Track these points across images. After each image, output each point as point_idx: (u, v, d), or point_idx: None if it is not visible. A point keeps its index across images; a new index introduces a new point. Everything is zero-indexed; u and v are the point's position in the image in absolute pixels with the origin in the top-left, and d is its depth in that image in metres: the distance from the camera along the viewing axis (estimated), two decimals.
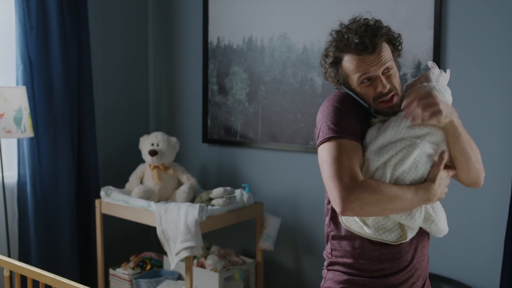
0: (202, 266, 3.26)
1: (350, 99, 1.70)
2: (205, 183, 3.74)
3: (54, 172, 3.29)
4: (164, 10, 3.95)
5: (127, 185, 3.43)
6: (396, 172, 1.60)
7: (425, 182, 1.63)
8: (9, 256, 3.04)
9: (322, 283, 1.82)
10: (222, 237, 3.61)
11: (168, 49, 3.94)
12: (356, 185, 1.55)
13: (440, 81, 1.74)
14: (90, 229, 3.49)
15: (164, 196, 3.36)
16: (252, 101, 3.48)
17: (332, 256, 1.80)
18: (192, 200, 3.31)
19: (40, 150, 3.24)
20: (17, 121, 2.92)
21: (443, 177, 1.66)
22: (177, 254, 2.88)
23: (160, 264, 3.51)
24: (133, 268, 3.38)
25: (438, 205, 1.74)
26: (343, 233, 1.74)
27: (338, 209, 1.57)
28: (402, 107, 1.65)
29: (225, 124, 3.63)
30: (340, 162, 1.58)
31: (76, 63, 3.38)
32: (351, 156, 1.59)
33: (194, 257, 3.30)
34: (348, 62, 1.68)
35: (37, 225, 3.23)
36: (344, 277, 1.74)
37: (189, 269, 2.89)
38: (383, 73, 1.65)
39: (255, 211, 3.29)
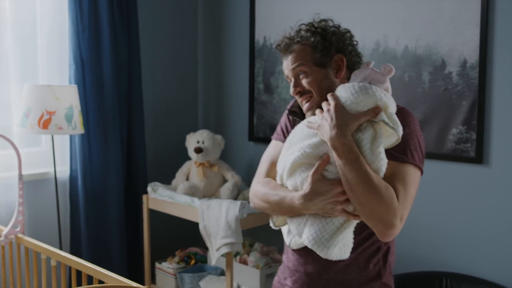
0: (244, 262, 3.30)
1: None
2: (250, 180, 3.76)
3: (104, 167, 3.41)
4: (212, 10, 4.01)
5: (174, 182, 3.52)
6: (283, 177, 1.59)
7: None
8: (60, 248, 3.18)
9: None
10: (266, 235, 3.64)
11: (216, 48, 4.01)
12: (256, 182, 1.73)
13: (371, 77, 1.57)
14: (138, 223, 3.60)
15: (209, 193, 3.43)
16: None
17: None
18: (236, 197, 3.36)
19: (91, 147, 3.37)
20: (68, 118, 3.05)
21: (322, 188, 1.45)
22: (217, 249, 2.93)
23: (204, 260, 3.58)
24: (178, 263, 3.47)
25: (317, 222, 1.49)
26: None
27: None
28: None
29: (270, 122, 3.65)
30: (261, 162, 1.78)
31: (126, 62, 3.49)
32: (269, 155, 1.76)
33: (237, 253, 3.35)
34: None
35: (87, 219, 3.36)
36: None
37: (229, 265, 2.94)
38: (297, 76, 1.64)
39: None
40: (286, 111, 1.80)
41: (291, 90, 1.65)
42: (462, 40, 2.81)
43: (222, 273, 3.37)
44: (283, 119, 1.81)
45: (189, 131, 3.68)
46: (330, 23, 1.70)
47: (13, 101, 3.21)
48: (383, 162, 1.45)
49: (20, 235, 2.76)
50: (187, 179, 3.51)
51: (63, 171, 3.40)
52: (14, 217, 2.78)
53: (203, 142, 3.43)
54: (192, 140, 3.46)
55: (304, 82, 1.62)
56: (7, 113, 3.22)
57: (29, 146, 3.35)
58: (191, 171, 3.48)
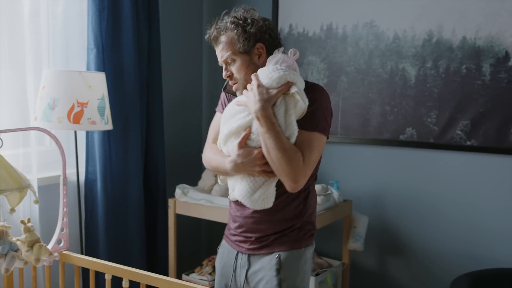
0: None
1: None
2: None
3: (124, 169, 2.96)
4: None
5: (200, 183, 3.13)
6: (220, 145, 1.91)
7: None
8: None
9: None
10: None
11: None
12: (205, 147, 2.04)
13: (281, 60, 1.81)
14: (157, 230, 3.17)
15: None
16: (331, 93, 3.26)
17: None
18: None
19: (111, 144, 2.90)
20: (101, 111, 2.59)
21: (243, 152, 1.79)
22: None
23: None
24: (210, 274, 3.09)
25: (244, 181, 1.83)
26: None
27: None
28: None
29: None
30: (209, 130, 2.10)
31: (146, 47, 3.05)
32: (214, 125, 2.06)
33: None
34: None
35: (107, 228, 2.89)
36: None
37: None
38: (227, 63, 1.91)
39: (344, 209, 3.08)
40: (223, 89, 2.08)
41: (223, 74, 1.93)
42: None
43: None
44: (222, 95, 2.10)
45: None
46: (251, 15, 1.91)
47: (29, 89, 2.65)
48: (293, 130, 1.76)
49: (65, 252, 2.28)
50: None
51: (75, 174, 2.87)
52: (57, 230, 2.28)
53: None
54: None
55: (233, 68, 1.90)
56: (22, 103, 2.67)
57: (25, 146, 2.71)
58: None
